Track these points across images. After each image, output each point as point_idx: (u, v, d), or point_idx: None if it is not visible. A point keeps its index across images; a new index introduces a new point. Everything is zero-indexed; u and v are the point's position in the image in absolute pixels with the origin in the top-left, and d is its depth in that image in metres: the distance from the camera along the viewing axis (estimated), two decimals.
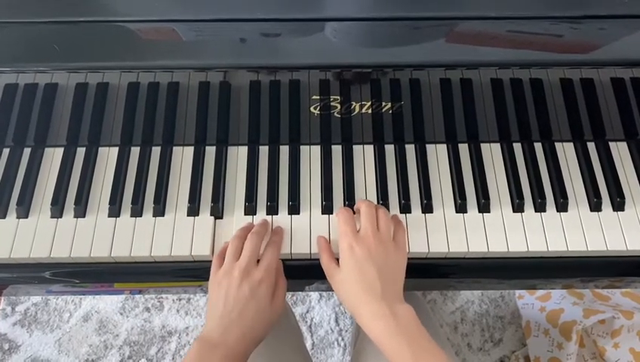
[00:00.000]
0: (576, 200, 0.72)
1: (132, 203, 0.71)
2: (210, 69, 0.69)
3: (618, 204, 0.71)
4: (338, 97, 0.72)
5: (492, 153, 0.75)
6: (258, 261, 0.64)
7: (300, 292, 1.39)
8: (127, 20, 0.66)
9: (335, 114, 0.73)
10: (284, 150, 0.76)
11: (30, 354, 1.34)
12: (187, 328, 1.37)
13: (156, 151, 0.75)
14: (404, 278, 0.65)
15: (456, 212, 0.71)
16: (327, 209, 0.71)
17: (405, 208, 0.71)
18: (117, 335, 1.36)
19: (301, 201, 0.72)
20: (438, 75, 0.70)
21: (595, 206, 0.71)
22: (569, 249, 0.69)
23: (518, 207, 0.71)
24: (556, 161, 0.74)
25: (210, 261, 0.67)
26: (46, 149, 0.76)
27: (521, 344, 1.33)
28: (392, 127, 0.75)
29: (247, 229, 0.68)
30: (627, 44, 0.66)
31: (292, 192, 0.72)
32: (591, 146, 0.76)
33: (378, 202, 0.72)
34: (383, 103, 0.73)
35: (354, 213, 0.69)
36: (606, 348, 1.18)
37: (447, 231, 0.70)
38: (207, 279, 0.66)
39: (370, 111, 0.73)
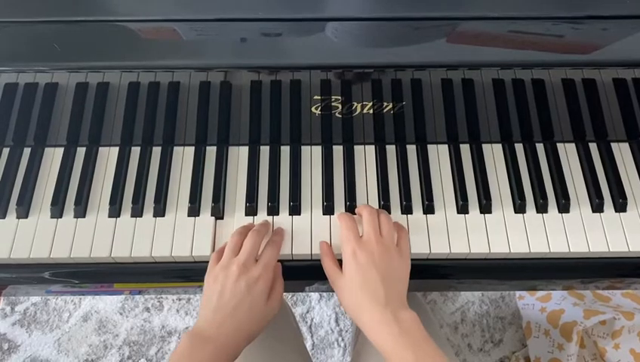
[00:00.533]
0: (577, 201, 0.72)
1: (132, 203, 0.71)
2: (210, 69, 0.69)
3: (620, 205, 0.71)
4: (339, 97, 0.72)
5: (494, 154, 0.75)
6: (257, 261, 0.64)
7: (300, 293, 1.39)
8: (127, 20, 0.66)
9: (336, 114, 0.73)
10: (285, 150, 0.75)
11: (29, 353, 1.34)
12: (187, 328, 1.36)
13: (157, 151, 0.75)
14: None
15: (458, 213, 0.71)
16: (328, 209, 0.71)
17: (407, 209, 0.71)
18: (116, 335, 1.36)
19: (302, 202, 0.72)
20: (439, 76, 0.70)
21: (597, 207, 0.71)
22: (571, 250, 0.69)
23: (519, 208, 0.71)
24: (558, 162, 0.74)
25: None
26: (46, 149, 0.75)
27: (521, 344, 1.33)
28: (393, 128, 0.75)
29: (248, 228, 0.67)
30: (629, 45, 0.66)
31: (293, 193, 0.72)
32: (593, 147, 0.76)
33: (379, 203, 0.72)
34: (385, 103, 0.72)
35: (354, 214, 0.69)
36: (606, 348, 1.18)
37: (449, 232, 0.69)
38: None
39: (371, 111, 0.73)
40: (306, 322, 1.37)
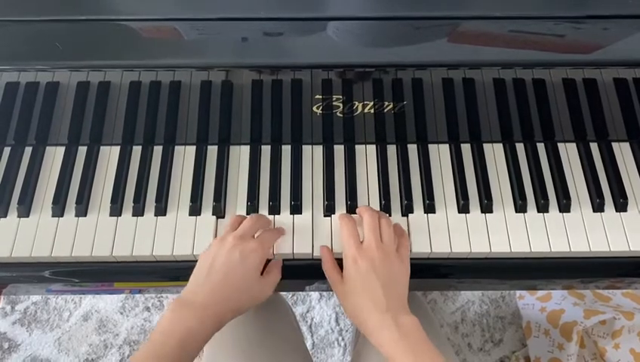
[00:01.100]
0: (578, 200, 0.72)
1: (134, 202, 0.71)
2: (212, 68, 0.69)
3: (621, 205, 0.71)
4: (341, 97, 0.72)
5: (495, 153, 0.75)
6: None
7: (301, 292, 1.39)
8: (129, 19, 0.66)
9: (337, 113, 0.73)
10: (287, 149, 0.75)
11: (30, 352, 1.34)
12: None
13: (158, 150, 0.75)
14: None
15: (459, 212, 0.71)
16: (329, 209, 0.71)
17: (408, 208, 0.71)
18: (117, 335, 1.36)
19: (303, 201, 0.72)
20: (440, 75, 0.70)
21: (598, 206, 0.71)
22: (572, 249, 0.69)
23: (520, 208, 0.71)
24: (559, 162, 0.74)
25: None
26: (47, 148, 0.75)
27: (521, 344, 1.33)
28: (394, 127, 0.75)
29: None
30: (630, 45, 0.66)
31: (294, 192, 0.72)
32: (594, 147, 0.76)
33: (380, 202, 0.72)
34: (386, 103, 0.73)
35: (355, 214, 0.69)
36: (606, 348, 1.18)
37: (450, 232, 0.70)
38: None
39: (372, 110, 0.73)
40: (306, 321, 1.37)
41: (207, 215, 0.71)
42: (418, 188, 0.72)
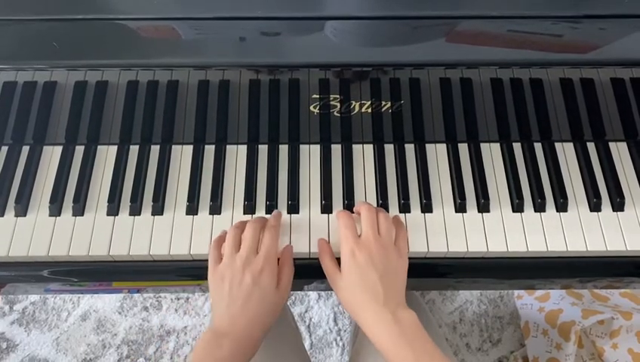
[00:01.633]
0: (575, 200, 0.72)
1: (131, 201, 0.71)
2: (209, 68, 0.69)
3: (618, 204, 0.71)
4: (338, 96, 0.72)
5: (492, 153, 0.75)
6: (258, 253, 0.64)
7: (299, 292, 1.39)
8: (126, 18, 0.66)
9: (335, 113, 0.73)
10: (284, 149, 0.75)
11: (28, 352, 1.34)
12: (185, 327, 1.37)
13: (155, 149, 0.75)
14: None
15: (456, 212, 0.71)
16: (326, 208, 0.71)
17: (405, 208, 0.71)
18: (115, 335, 1.36)
19: (300, 200, 0.72)
20: (438, 75, 0.71)
21: (595, 206, 0.71)
22: (568, 249, 0.69)
23: (517, 207, 0.71)
24: (556, 161, 0.74)
25: None
26: (45, 147, 0.75)
27: (519, 344, 1.33)
28: (391, 127, 0.75)
29: (245, 222, 0.68)
30: (627, 44, 0.66)
31: (291, 191, 0.72)
32: (591, 146, 0.76)
33: (378, 201, 0.72)
34: (383, 102, 0.73)
35: (352, 212, 0.69)
36: (605, 348, 1.18)
37: (447, 231, 0.70)
38: (206, 278, 0.65)
39: (370, 110, 0.73)
40: (305, 322, 1.37)
41: (204, 214, 0.71)
42: (415, 188, 0.73)
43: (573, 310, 1.23)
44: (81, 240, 0.69)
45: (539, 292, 1.33)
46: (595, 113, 0.74)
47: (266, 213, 0.71)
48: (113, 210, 0.71)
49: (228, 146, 0.75)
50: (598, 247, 0.69)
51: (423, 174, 0.73)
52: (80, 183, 0.72)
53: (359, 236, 0.64)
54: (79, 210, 0.71)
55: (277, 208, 0.71)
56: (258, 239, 0.65)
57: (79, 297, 1.40)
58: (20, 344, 1.35)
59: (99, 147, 0.76)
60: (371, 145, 0.76)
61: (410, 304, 0.63)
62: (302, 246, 0.69)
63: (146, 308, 1.39)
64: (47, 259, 0.69)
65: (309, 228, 0.70)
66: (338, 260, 0.65)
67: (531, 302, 1.32)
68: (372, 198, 0.72)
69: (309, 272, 0.70)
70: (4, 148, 0.75)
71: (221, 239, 0.67)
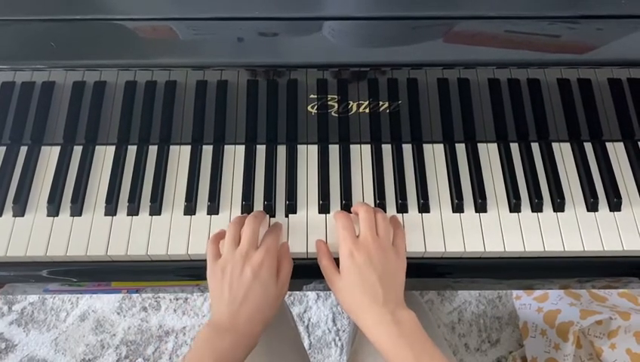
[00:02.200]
0: (572, 200, 0.72)
1: (129, 201, 0.71)
2: (207, 68, 0.69)
3: (615, 204, 0.71)
4: (336, 96, 0.72)
5: (489, 153, 0.75)
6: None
7: (298, 292, 1.39)
8: (124, 18, 0.66)
9: (332, 113, 0.73)
10: (282, 149, 0.75)
11: (27, 353, 1.34)
12: (184, 328, 1.37)
13: (153, 150, 0.75)
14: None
15: (453, 212, 0.71)
16: (324, 208, 0.71)
17: (402, 208, 0.71)
18: (114, 335, 1.36)
19: (298, 200, 0.72)
20: (435, 75, 0.71)
21: (592, 206, 0.71)
22: (566, 249, 0.69)
23: (514, 207, 0.71)
24: (553, 162, 0.75)
25: None
26: (43, 147, 0.76)
27: (518, 344, 1.33)
28: (389, 127, 0.75)
29: (244, 217, 0.68)
30: (624, 45, 0.66)
31: (289, 191, 0.72)
32: (588, 146, 0.76)
33: (375, 202, 0.72)
34: (381, 103, 0.73)
35: (350, 212, 0.69)
36: (603, 348, 1.18)
37: (444, 231, 0.70)
38: (204, 278, 0.65)
39: (367, 110, 0.73)
40: (303, 322, 1.37)
41: (202, 214, 0.71)
42: (412, 188, 0.73)
43: (571, 310, 1.23)
44: (79, 240, 0.69)
45: (537, 293, 1.33)
46: (593, 113, 0.74)
47: None
48: (111, 210, 0.71)
49: (226, 146, 0.76)
50: (595, 247, 0.69)
51: (420, 174, 0.73)
52: (78, 183, 0.72)
53: (357, 237, 0.64)
54: (77, 210, 0.71)
55: (274, 208, 0.71)
56: (258, 234, 0.65)
57: (78, 297, 1.40)
58: (18, 344, 1.35)
59: (97, 147, 0.76)
60: (369, 146, 0.76)
61: (410, 304, 0.63)
62: (300, 247, 0.69)
63: (144, 309, 1.39)
64: (46, 259, 0.69)
65: (307, 228, 0.70)
66: (336, 261, 0.65)
67: (530, 302, 1.32)
68: (370, 198, 0.72)
69: (307, 272, 0.70)
70: (2, 149, 0.75)
71: (219, 236, 0.67)
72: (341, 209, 0.71)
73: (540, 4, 0.67)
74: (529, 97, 0.73)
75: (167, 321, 1.37)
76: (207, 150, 0.75)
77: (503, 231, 0.70)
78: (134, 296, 1.40)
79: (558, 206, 0.71)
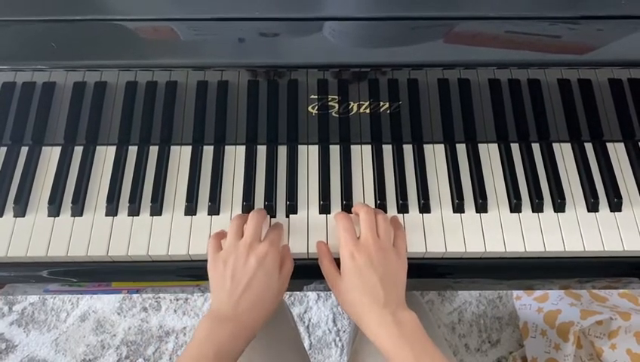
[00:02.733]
0: (573, 200, 0.72)
1: (129, 202, 0.71)
2: (208, 68, 0.69)
3: (615, 205, 0.71)
4: (336, 97, 0.72)
5: (490, 153, 0.76)
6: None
7: (298, 293, 1.39)
8: (125, 19, 0.66)
9: (333, 113, 0.73)
10: (282, 149, 0.76)
11: (27, 353, 1.34)
12: (185, 328, 1.37)
13: (154, 150, 0.75)
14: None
15: (454, 212, 0.71)
16: (324, 208, 0.71)
17: (403, 208, 0.71)
18: (114, 335, 1.36)
19: (299, 201, 0.72)
20: (436, 75, 0.71)
21: (593, 206, 0.71)
22: (566, 249, 0.69)
23: (515, 208, 0.71)
24: (554, 162, 0.75)
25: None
26: (43, 148, 0.76)
27: (518, 345, 1.33)
28: (389, 127, 0.75)
29: (246, 215, 0.68)
30: (625, 45, 0.66)
31: (290, 192, 0.72)
32: (588, 147, 0.76)
33: (376, 202, 0.72)
34: (381, 103, 0.73)
35: (350, 213, 0.69)
36: (603, 348, 1.18)
37: (445, 231, 0.70)
38: (204, 278, 0.65)
39: (368, 111, 0.73)
40: (304, 322, 1.37)
41: (202, 215, 0.71)
42: (413, 188, 0.73)
43: (571, 310, 1.23)
44: (79, 240, 0.69)
45: (537, 293, 1.33)
46: (593, 114, 0.74)
47: None
48: (112, 210, 0.71)
49: (226, 147, 0.76)
50: (595, 248, 0.69)
51: (421, 175, 0.73)
52: (79, 184, 0.72)
53: (358, 238, 0.64)
54: (78, 210, 0.71)
55: (275, 208, 0.71)
56: (261, 228, 0.65)
57: (78, 298, 1.40)
58: (19, 344, 1.35)
59: (98, 147, 0.76)
60: (369, 146, 0.76)
61: (411, 304, 0.63)
62: (300, 247, 0.69)
63: (145, 309, 1.39)
64: (46, 260, 0.69)
65: (308, 229, 0.70)
66: (337, 261, 0.65)
67: (530, 302, 1.32)
68: (370, 199, 0.72)
69: (308, 273, 0.70)
70: (3, 149, 0.75)
71: (221, 233, 0.67)
72: (342, 209, 0.71)
73: (540, 4, 0.67)
74: (529, 98, 0.73)
75: (168, 321, 1.37)
76: (208, 150, 0.75)
77: (503, 231, 0.70)
78: (135, 296, 1.40)
79: (559, 206, 0.71)
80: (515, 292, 1.38)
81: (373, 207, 0.71)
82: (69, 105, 0.73)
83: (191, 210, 0.71)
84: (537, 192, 0.72)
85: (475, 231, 0.70)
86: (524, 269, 0.72)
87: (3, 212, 0.71)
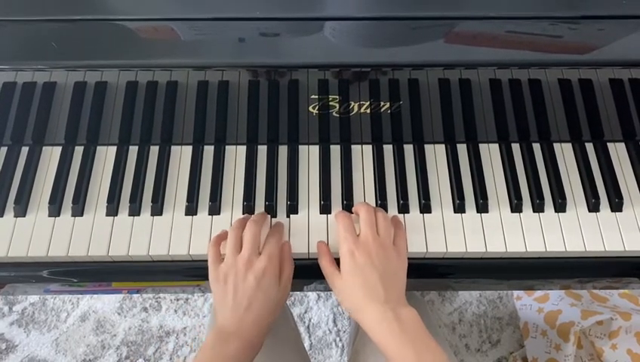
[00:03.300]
0: (574, 200, 0.72)
1: (130, 202, 0.71)
2: (208, 68, 0.69)
3: (616, 205, 0.71)
4: (337, 97, 0.72)
5: (490, 153, 0.75)
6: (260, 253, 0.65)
7: (299, 293, 1.39)
8: (125, 19, 0.66)
9: (334, 113, 0.73)
10: (283, 149, 0.75)
11: (27, 353, 1.34)
12: (185, 328, 1.37)
13: (154, 150, 0.75)
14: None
15: (455, 212, 0.71)
16: (325, 208, 0.71)
17: (403, 208, 0.71)
18: (114, 335, 1.36)
19: (299, 201, 0.72)
20: (436, 75, 0.71)
21: (593, 206, 0.71)
22: (567, 249, 0.69)
23: (516, 208, 0.71)
24: (554, 162, 0.74)
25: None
26: (44, 148, 0.76)
27: (519, 345, 1.33)
28: (390, 127, 0.75)
29: (245, 219, 0.68)
30: (626, 45, 0.66)
31: (290, 192, 0.72)
32: (589, 147, 0.76)
33: (376, 202, 0.72)
34: (382, 103, 0.73)
35: (351, 213, 0.69)
36: (604, 349, 1.18)
37: (446, 231, 0.70)
38: (205, 278, 0.65)
39: (368, 111, 0.73)
40: (304, 322, 1.37)
41: (203, 215, 0.71)
42: (414, 188, 0.73)
43: (572, 311, 1.23)
44: (80, 240, 0.69)
45: (538, 293, 1.33)
46: (594, 114, 0.74)
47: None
48: (112, 210, 0.71)
49: (227, 147, 0.76)
50: (596, 248, 0.69)
51: (421, 175, 0.73)
52: (79, 184, 0.72)
53: (358, 236, 0.64)
54: (78, 210, 0.71)
55: (276, 209, 0.71)
56: (259, 238, 0.65)
57: (78, 298, 1.40)
58: (19, 345, 1.35)
59: (98, 147, 0.76)
60: (370, 146, 0.76)
61: (412, 303, 0.63)
62: (301, 247, 0.69)
63: (145, 309, 1.39)
64: (47, 260, 0.69)
65: (308, 229, 0.70)
66: (337, 261, 0.65)
67: (530, 302, 1.32)
68: (371, 199, 0.72)
69: (308, 273, 0.70)
70: (4, 149, 0.75)
71: (219, 238, 0.67)
72: (342, 209, 0.71)
73: (540, 4, 0.67)
74: (530, 98, 0.73)
75: (168, 322, 1.37)
76: (209, 150, 0.75)
77: (504, 231, 0.70)
78: (135, 296, 1.40)
79: (560, 206, 0.71)
80: (516, 293, 1.38)
81: (374, 206, 0.71)
82: (70, 105, 0.73)
83: (191, 209, 0.71)
84: (538, 192, 0.72)
85: (475, 231, 0.70)
86: (525, 269, 0.72)
87: (3, 212, 0.71)
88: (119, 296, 1.40)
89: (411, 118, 0.74)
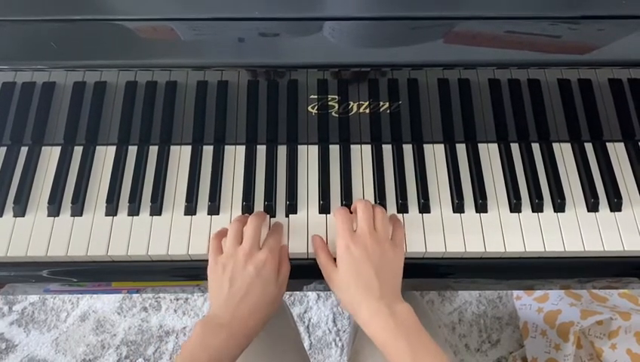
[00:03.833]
0: (573, 200, 0.72)
1: (129, 202, 0.71)
2: (207, 68, 0.69)
3: (615, 205, 0.71)
4: (336, 97, 0.72)
5: (489, 153, 0.75)
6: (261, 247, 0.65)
7: (298, 293, 1.39)
8: (125, 19, 0.66)
9: (333, 113, 0.73)
10: (282, 149, 0.76)
11: (27, 353, 1.34)
12: (185, 328, 1.37)
13: (154, 150, 0.75)
14: (402, 278, 0.65)
15: (454, 212, 0.71)
16: (324, 208, 0.71)
17: (403, 208, 0.71)
18: (114, 335, 1.36)
19: (298, 201, 0.72)
20: (436, 75, 0.71)
21: (593, 206, 0.71)
22: (566, 249, 0.69)
23: (515, 208, 0.71)
24: (554, 162, 0.75)
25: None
26: (43, 148, 0.76)
27: (518, 345, 1.33)
28: (389, 127, 0.75)
29: (246, 216, 0.68)
30: (625, 45, 0.66)
31: (289, 192, 0.72)
32: (588, 147, 0.76)
33: (375, 202, 0.72)
34: (381, 103, 0.73)
35: (351, 212, 0.69)
36: (603, 349, 1.18)
37: (445, 231, 0.70)
38: (204, 278, 0.66)
39: (367, 110, 0.73)
40: (304, 322, 1.37)
41: (202, 214, 0.71)
42: (413, 188, 0.73)
43: (571, 311, 1.23)
44: (79, 240, 0.69)
45: (538, 293, 1.33)
46: (593, 114, 0.74)
47: None
48: (112, 210, 0.71)
49: (226, 147, 0.76)
50: (595, 248, 0.69)
51: (420, 174, 0.73)
52: (78, 184, 0.72)
53: (355, 231, 0.64)
54: (78, 210, 0.71)
55: (275, 208, 0.71)
56: (260, 232, 0.66)
57: (78, 298, 1.40)
58: (19, 344, 1.35)
59: (97, 147, 0.76)
60: (369, 146, 0.76)
61: (410, 304, 0.63)
62: (300, 247, 0.69)
63: (145, 309, 1.39)
64: (46, 260, 0.69)
65: (307, 229, 0.70)
66: (336, 260, 0.65)
67: (530, 302, 1.32)
68: (370, 199, 0.72)
69: (308, 272, 0.70)
70: (3, 149, 0.75)
71: (221, 233, 0.67)
72: None
73: (540, 4, 0.67)
74: (529, 98, 0.73)
75: (168, 321, 1.37)
76: (208, 150, 0.75)
77: (503, 231, 0.70)
78: (135, 296, 1.40)
79: (559, 206, 0.71)
80: (515, 293, 1.38)
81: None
82: (69, 105, 0.73)
83: (191, 209, 0.71)
84: (537, 192, 0.72)
85: (475, 231, 0.70)
86: (524, 269, 0.72)
87: (3, 212, 0.71)
88: (119, 296, 1.40)
89: (410, 118, 0.74)
